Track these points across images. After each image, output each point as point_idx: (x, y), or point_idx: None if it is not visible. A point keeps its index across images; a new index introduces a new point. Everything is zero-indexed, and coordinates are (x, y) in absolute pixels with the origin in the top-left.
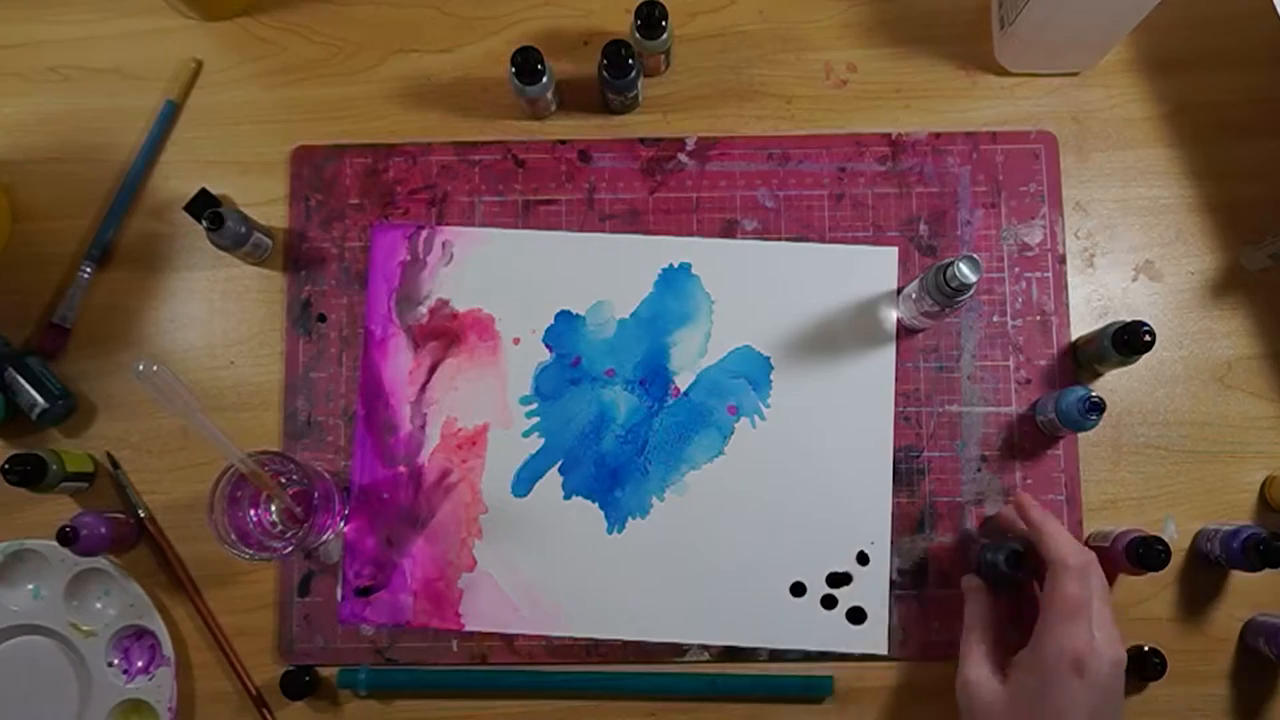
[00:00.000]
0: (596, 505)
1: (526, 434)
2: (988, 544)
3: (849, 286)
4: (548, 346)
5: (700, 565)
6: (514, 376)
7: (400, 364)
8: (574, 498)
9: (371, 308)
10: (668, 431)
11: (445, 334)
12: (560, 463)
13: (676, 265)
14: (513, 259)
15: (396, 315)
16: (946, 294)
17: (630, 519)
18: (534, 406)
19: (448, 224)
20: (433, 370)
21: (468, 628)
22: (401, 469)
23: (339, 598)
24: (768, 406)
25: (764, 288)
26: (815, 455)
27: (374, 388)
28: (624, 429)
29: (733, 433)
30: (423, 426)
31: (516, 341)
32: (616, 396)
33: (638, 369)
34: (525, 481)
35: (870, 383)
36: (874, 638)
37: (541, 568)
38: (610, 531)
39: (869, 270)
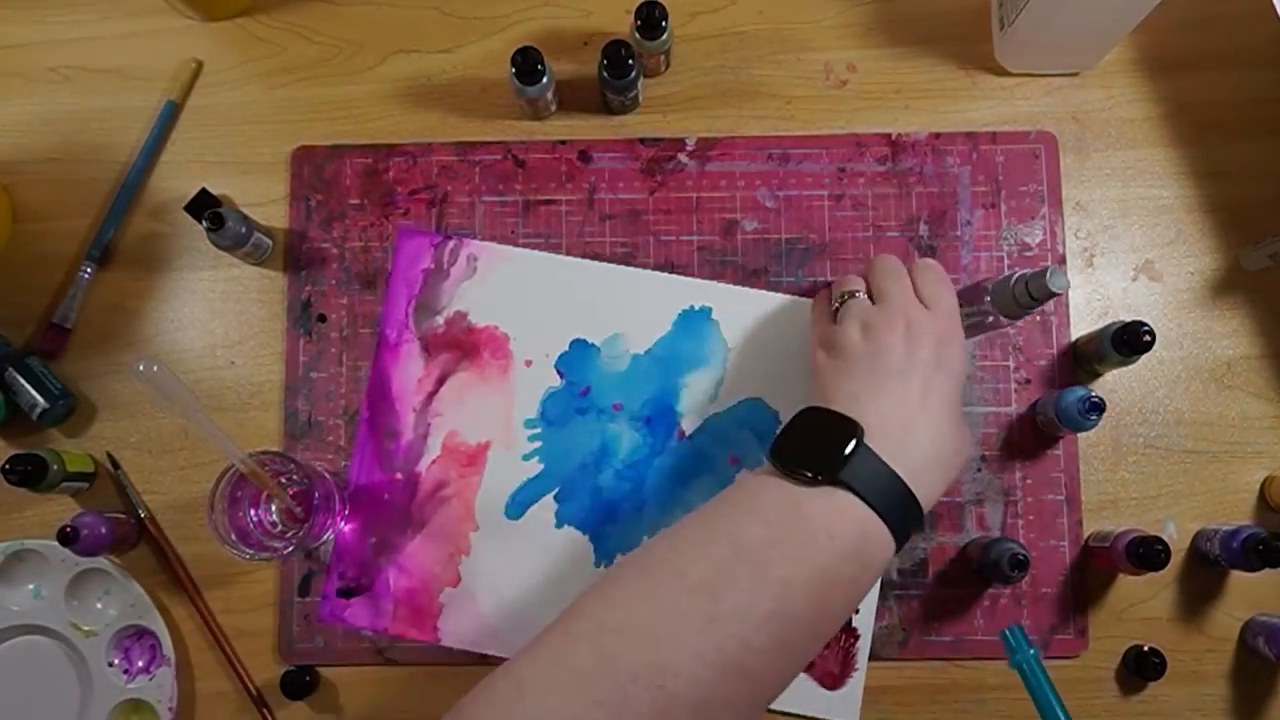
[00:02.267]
0: (587, 537)
1: (527, 457)
2: (989, 544)
3: None
4: (559, 372)
5: None
6: (522, 398)
7: (410, 371)
8: (565, 527)
9: (389, 312)
10: (667, 473)
11: (459, 346)
12: (557, 490)
13: (698, 308)
14: (536, 280)
15: (413, 322)
16: (1023, 305)
17: (619, 555)
18: (538, 431)
19: (449, 222)
20: (442, 381)
21: (443, 643)
22: (399, 476)
23: (321, 595)
24: None
25: (783, 343)
26: None
27: (381, 391)
28: (624, 465)
29: (731, 483)
30: (425, 436)
31: (529, 363)
32: (621, 431)
33: (646, 406)
34: (520, 504)
35: None
36: (848, 704)
37: (525, 592)
38: (598, 565)
39: None
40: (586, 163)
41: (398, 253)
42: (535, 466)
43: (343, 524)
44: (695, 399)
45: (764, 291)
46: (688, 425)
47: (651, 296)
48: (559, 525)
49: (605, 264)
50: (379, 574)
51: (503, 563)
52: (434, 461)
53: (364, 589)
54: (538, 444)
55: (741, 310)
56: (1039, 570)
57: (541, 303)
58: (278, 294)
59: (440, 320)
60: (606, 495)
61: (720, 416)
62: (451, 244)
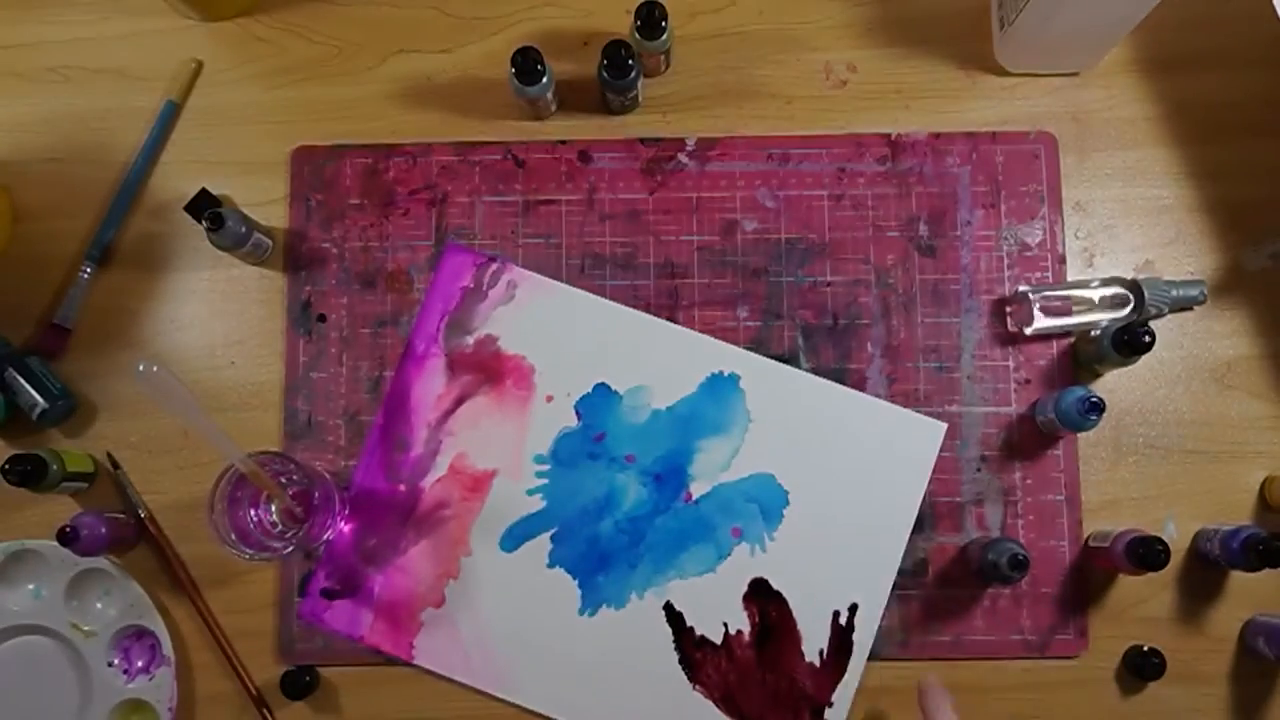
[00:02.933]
0: (576, 583)
1: (531, 492)
2: (989, 545)
3: (888, 449)
4: (577, 414)
5: (658, 674)
6: (535, 433)
7: (431, 386)
8: (557, 568)
9: (420, 324)
10: (667, 533)
11: (483, 370)
12: (554, 530)
13: (726, 374)
14: (571, 318)
15: (443, 338)
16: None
17: (605, 606)
18: (546, 468)
19: (450, 223)
20: (460, 401)
21: (417, 662)
22: (402, 487)
23: (304, 591)
24: (771, 540)
25: (804, 423)
26: (805, 604)
27: (399, 400)
28: (626, 517)
29: (730, 555)
30: (435, 453)
31: (549, 399)
32: (629, 483)
33: (658, 463)
34: (515, 538)
35: (879, 547)
36: None
37: (505, 626)
38: (581, 613)
39: (912, 439)
40: (586, 163)
41: (440, 267)
42: (538, 503)
43: (342, 525)
44: (708, 464)
45: (795, 370)
46: (696, 490)
47: (683, 355)
48: (551, 565)
49: (643, 314)
50: (366, 581)
51: (489, 592)
52: (439, 480)
53: (349, 593)
54: (544, 481)
55: (769, 384)
56: (1039, 570)
57: (573, 341)
58: (277, 294)
59: (470, 340)
60: (603, 545)
61: (730, 486)
62: (494, 266)
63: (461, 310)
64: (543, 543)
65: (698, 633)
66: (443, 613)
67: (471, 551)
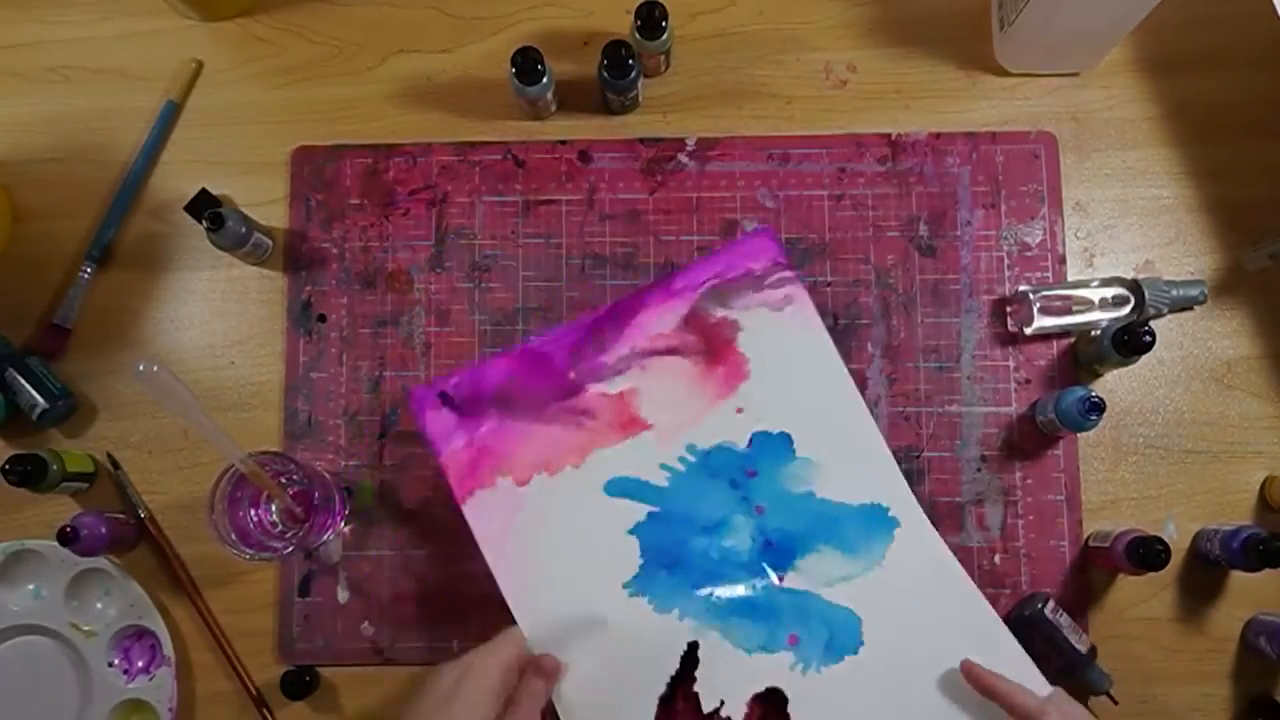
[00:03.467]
0: (640, 561)
1: (664, 467)
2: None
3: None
4: (750, 440)
5: (645, 689)
6: (707, 426)
7: (661, 321)
8: (633, 538)
9: (694, 269)
10: (737, 599)
11: (709, 344)
12: (656, 510)
13: (889, 513)
14: (806, 365)
15: (701, 294)
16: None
17: (647, 599)
18: (692, 460)
19: (450, 223)
20: (672, 351)
21: (464, 511)
22: (572, 376)
23: (411, 390)
24: (818, 672)
25: (926, 604)
26: None
27: (627, 312)
28: (716, 550)
29: (773, 653)
30: (619, 372)
31: (739, 411)
32: (743, 528)
33: (778, 533)
34: (621, 488)
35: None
36: None
37: (557, 549)
38: (626, 587)
39: (1004, 660)
40: (586, 163)
41: (743, 240)
42: (661, 478)
43: (343, 524)
44: (816, 569)
45: (949, 556)
46: (790, 580)
47: (866, 465)
48: (631, 532)
49: (861, 404)
50: (484, 415)
51: (565, 510)
52: (604, 395)
53: (464, 410)
54: (680, 468)
55: (918, 548)
56: (1039, 570)
57: (793, 381)
58: (278, 294)
59: (719, 314)
60: (686, 553)
61: (819, 600)
62: (786, 274)
63: (732, 286)
64: (638, 510)
65: (695, 688)
66: (517, 492)
67: (580, 468)
